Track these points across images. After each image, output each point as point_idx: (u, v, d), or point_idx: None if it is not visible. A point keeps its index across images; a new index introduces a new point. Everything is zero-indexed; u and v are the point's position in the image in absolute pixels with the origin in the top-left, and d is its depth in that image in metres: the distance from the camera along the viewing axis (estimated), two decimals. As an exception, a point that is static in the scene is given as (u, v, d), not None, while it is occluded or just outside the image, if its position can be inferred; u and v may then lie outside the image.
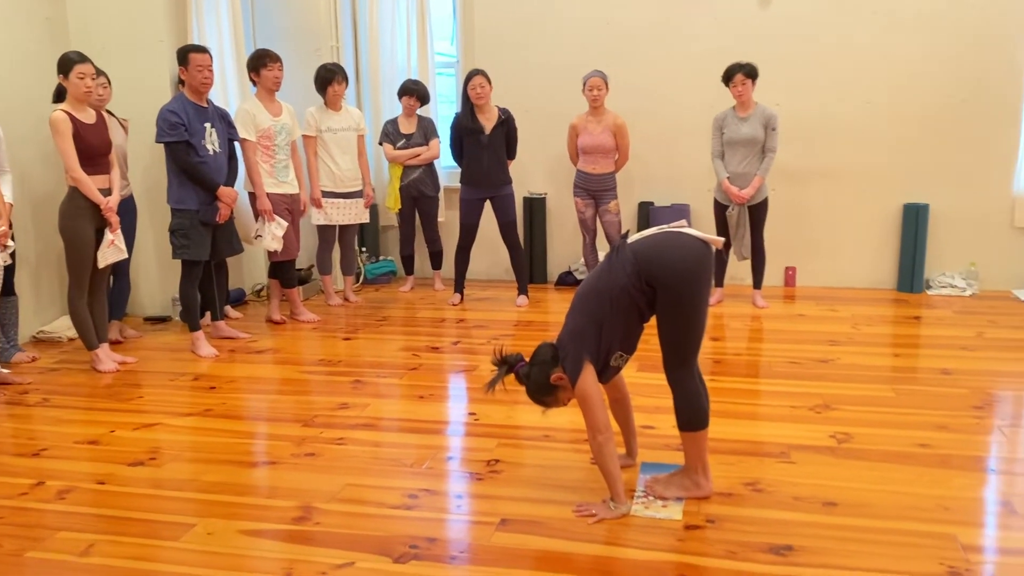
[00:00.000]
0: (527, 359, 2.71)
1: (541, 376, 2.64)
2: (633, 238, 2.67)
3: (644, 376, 4.09)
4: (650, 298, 2.59)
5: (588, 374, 2.58)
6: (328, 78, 5.57)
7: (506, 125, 5.69)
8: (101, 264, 4.31)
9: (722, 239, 2.73)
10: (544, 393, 2.67)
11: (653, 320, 2.67)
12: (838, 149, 6.09)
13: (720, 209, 5.53)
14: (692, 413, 2.68)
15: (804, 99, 6.05)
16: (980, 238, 6.00)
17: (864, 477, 2.90)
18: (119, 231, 4.35)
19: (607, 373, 2.69)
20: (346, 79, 5.66)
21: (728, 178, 5.40)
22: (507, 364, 2.69)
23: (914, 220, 5.94)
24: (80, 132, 4.14)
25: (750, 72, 5.27)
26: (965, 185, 5.96)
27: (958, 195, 5.98)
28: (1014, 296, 5.85)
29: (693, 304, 2.57)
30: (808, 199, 6.19)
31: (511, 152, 5.81)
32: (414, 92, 6.05)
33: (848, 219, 6.17)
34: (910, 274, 6.00)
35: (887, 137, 6.01)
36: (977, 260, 6.02)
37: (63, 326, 5.04)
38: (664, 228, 2.67)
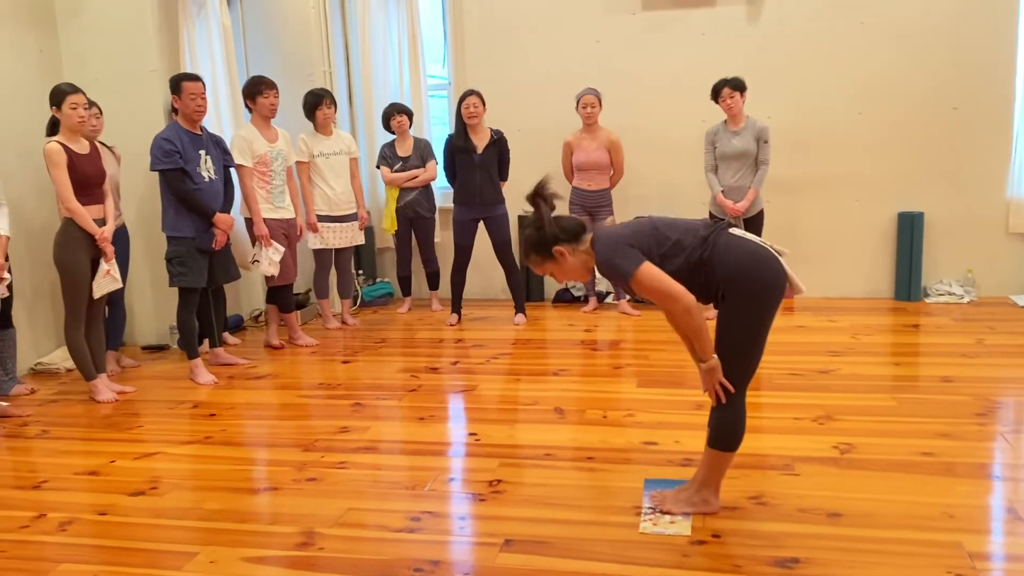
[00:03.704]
0: (554, 215, 2.59)
1: (549, 233, 2.54)
2: (734, 230, 2.58)
3: (646, 392, 4.08)
4: (707, 292, 2.50)
5: (648, 265, 2.45)
6: (316, 102, 5.59)
7: (498, 145, 5.71)
8: (97, 294, 4.31)
9: (804, 288, 2.64)
10: (537, 250, 2.58)
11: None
12: (831, 160, 6.12)
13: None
14: (729, 434, 2.62)
15: (795, 111, 6.08)
16: (976, 244, 6.02)
17: (868, 487, 2.89)
18: (114, 260, 4.35)
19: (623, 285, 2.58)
20: (334, 103, 5.69)
21: (722, 192, 5.42)
22: (539, 193, 2.55)
23: (909, 228, 5.95)
24: (74, 163, 4.15)
25: (736, 85, 5.30)
26: (959, 192, 5.99)
27: (952, 202, 6.00)
28: (1011, 302, 5.85)
29: (759, 321, 2.50)
30: (803, 210, 6.21)
31: (503, 173, 5.83)
32: (401, 110, 6.09)
33: (843, 229, 6.19)
34: (907, 282, 6.01)
35: (880, 146, 6.05)
36: (973, 266, 6.03)
37: (61, 357, 5.02)
38: (760, 241, 2.59)
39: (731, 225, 2.61)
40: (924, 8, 5.83)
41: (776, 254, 2.55)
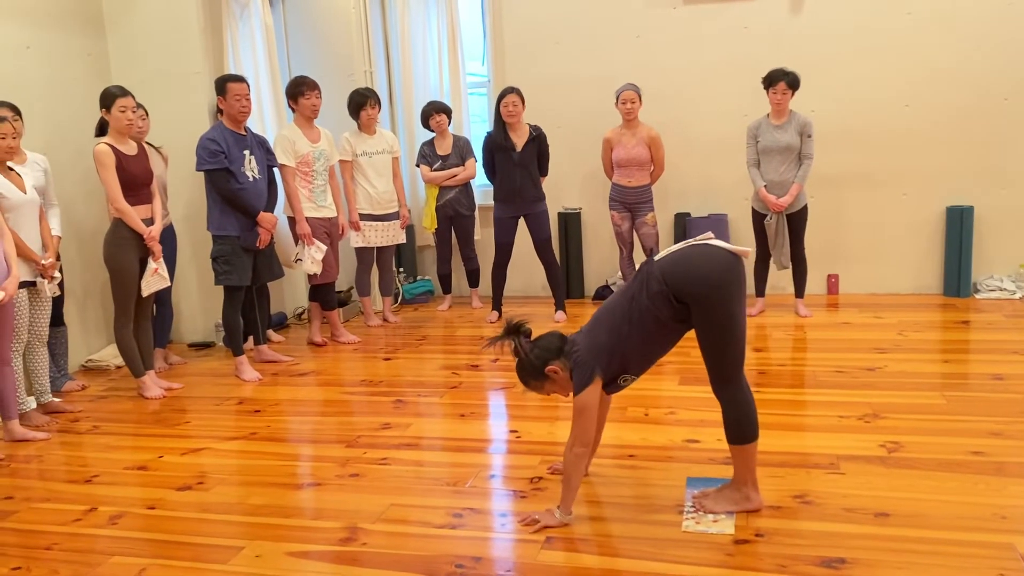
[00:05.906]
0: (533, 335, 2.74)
1: (538, 361, 2.66)
2: (660, 255, 2.66)
3: (687, 390, 4.05)
4: (682, 314, 2.56)
5: (594, 388, 2.60)
6: (361, 102, 5.64)
7: (537, 142, 5.70)
8: (145, 292, 4.39)
9: (748, 249, 2.69)
10: (532, 376, 2.70)
11: (691, 335, 2.65)
12: (877, 153, 6.00)
13: (758, 218, 5.47)
14: (741, 426, 2.64)
15: (840, 104, 5.97)
16: (1028, 239, 5.87)
17: (917, 487, 2.84)
18: (162, 259, 4.43)
19: (611, 388, 2.71)
20: (379, 103, 5.73)
21: (765, 186, 5.35)
22: (514, 331, 2.68)
23: (958, 223, 5.82)
24: (123, 164, 4.23)
25: (792, 83, 5.20)
26: (1010, 185, 5.83)
27: (1003, 195, 5.85)
28: (1066, 297, 5.70)
29: (727, 315, 2.54)
30: (848, 205, 6.11)
31: (543, 169, 5.82)
32: (441, 109, 6.10)
33: (890, 224, 6.07)
34: (956, 278, 5.87)
35: (927, 139, 5.91)
36: (1026, 262, 5.89)
37: (110, 354, 5.14)
38: (690, 242, 2.66)
39: (651, 255, 2.68)
40: (973, -3, 5.70)
41: (705, 242, 2.62)
